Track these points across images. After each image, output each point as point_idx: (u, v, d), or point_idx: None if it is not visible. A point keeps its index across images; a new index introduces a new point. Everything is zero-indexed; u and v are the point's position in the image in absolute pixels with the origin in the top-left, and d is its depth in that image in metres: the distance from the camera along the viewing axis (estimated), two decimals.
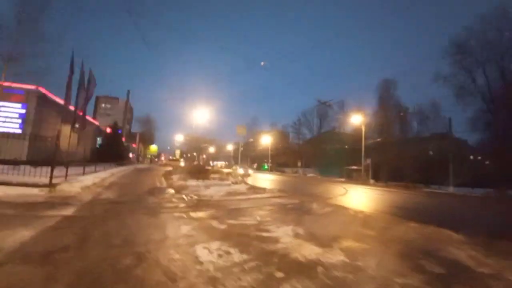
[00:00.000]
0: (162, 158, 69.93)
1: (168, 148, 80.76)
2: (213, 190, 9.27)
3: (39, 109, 15.42)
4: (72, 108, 13.85)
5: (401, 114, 36.27)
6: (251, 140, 63.74)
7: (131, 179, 11.63)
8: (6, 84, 11.57)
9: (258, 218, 4.97)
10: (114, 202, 5.85)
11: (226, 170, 15.59)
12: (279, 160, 56.73)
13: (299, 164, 45.75)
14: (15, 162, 10.35)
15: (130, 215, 4.62)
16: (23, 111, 15.06)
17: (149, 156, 48.60)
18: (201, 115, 29.51)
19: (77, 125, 17.07)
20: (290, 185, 16.76)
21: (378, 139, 33.88)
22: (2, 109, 14.56)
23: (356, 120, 31.46)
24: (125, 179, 11.28)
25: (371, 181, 30.73)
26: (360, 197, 11.59)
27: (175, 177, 12.27)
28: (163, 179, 12.63)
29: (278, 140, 55.05)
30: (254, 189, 10.51)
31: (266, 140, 53.81)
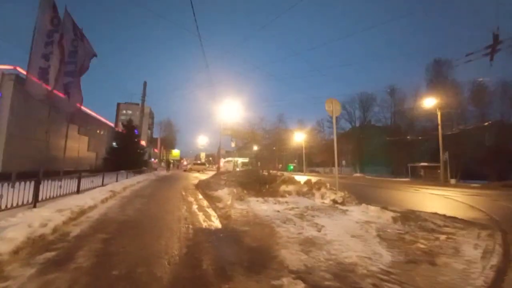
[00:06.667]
0: (185, 162, 66.13)
1: (191, 152, 77.39)
2: (348, 239, 3.64)
3: (18, 98, 10.69)
4: (61, 94, 8.90)
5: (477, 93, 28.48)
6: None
7: (143, 209, 5.59)
8: None
9: None
10: None
11: (300, 178, 9.89)
12: (312, 160, 50.44)
13: (343, 162, 39.06)
14: None
15: None
16: None
17: (171, 161, 44.28)
18: (230, 111, 24.38)
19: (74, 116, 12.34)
20: (378, 195, 10.86)
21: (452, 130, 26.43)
22: None
23: (429, 103, 24.42)
24: (133, 208, 5.42)
25: (452, 180, 23.67)
26: None
27: (223, 195, 6.79)
28: (200, 197, 7.23)
29: (309, 138, 48.72)
30: (403, 218, 4.71)
31: (298, 138, 47.95)
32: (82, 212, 4.27)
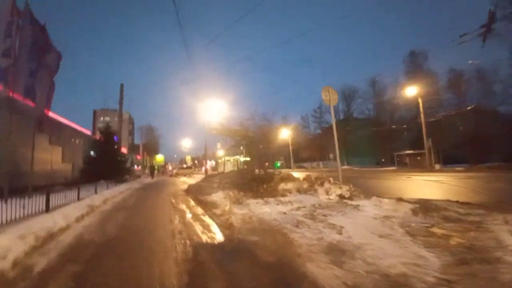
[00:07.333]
0: (170, 167, 64.12)
1: (175, 156, 75.33)
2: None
3: None
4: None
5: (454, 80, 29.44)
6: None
7: (127, 225, 4.59)
8: None
9: None
10: None
11: (297, 174, 9.42)
12: (298, 155, 50.65)
13: (331, 156, 39.42)
14: None
15: None
16: None
17: (156, 167, 42.26)
18: (216, 108, 23.50)
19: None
20: (375, 186, 10.65)
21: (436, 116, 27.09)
22: None
23: (409, 92, 24.97)
24: (116, 224, 4.50)
25: (436, 166, 24.44)
26: None
27: (218, 199, 6.13)
28: (193, 203, 6.52)
29: (295, 134, 48.86)
30: (422, 209, 4.30)
31: (284, 134, 47.87)
32: (51, 236, 3.46)
